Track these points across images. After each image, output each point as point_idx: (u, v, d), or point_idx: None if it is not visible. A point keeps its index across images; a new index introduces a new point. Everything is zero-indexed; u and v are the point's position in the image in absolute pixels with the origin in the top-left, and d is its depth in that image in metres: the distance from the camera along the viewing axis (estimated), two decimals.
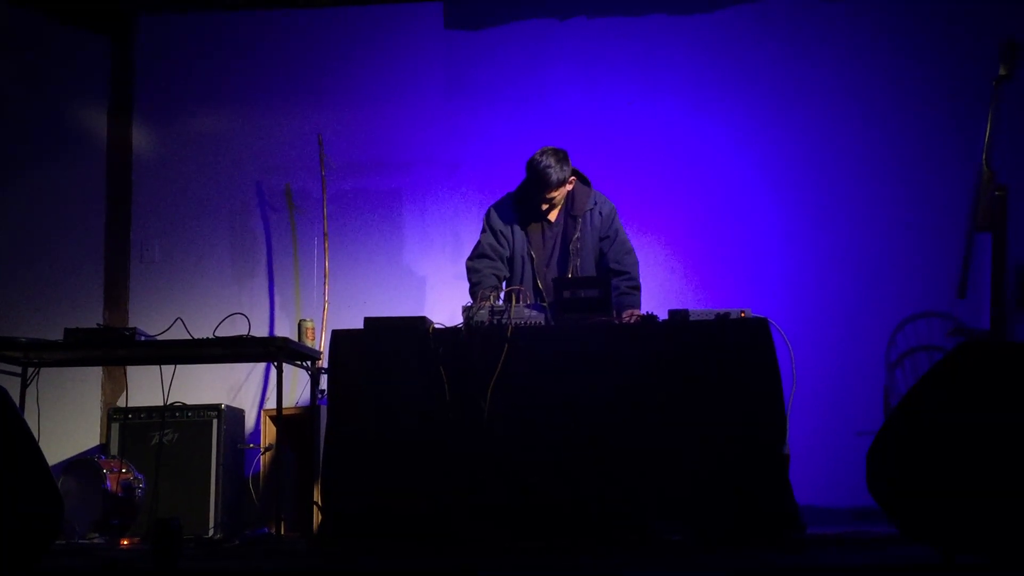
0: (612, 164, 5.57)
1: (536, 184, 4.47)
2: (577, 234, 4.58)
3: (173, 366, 4.80)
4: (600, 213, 4.61)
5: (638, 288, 4.60)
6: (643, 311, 4.21)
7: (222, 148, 6.04)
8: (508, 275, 4.62)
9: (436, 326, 4.07)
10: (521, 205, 4.62)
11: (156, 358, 4.77)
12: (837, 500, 5.12)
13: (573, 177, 4.54)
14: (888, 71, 5.67)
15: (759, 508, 3.79)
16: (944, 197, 5.50)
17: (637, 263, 4.65)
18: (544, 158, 4.43)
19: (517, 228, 4.60)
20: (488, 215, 4.67)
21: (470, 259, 4.63)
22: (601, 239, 4.62)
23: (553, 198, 4.51)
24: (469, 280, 4.58)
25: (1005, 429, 2.97)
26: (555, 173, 4.43)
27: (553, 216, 4.60)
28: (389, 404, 4.00)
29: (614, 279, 4.52)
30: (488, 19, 6.01)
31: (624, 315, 4.32)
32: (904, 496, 3.07)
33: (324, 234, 5.74)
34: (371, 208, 5.95)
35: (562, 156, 4.46)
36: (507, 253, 4.61)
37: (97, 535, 4.57)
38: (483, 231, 4.65)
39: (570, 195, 4.58)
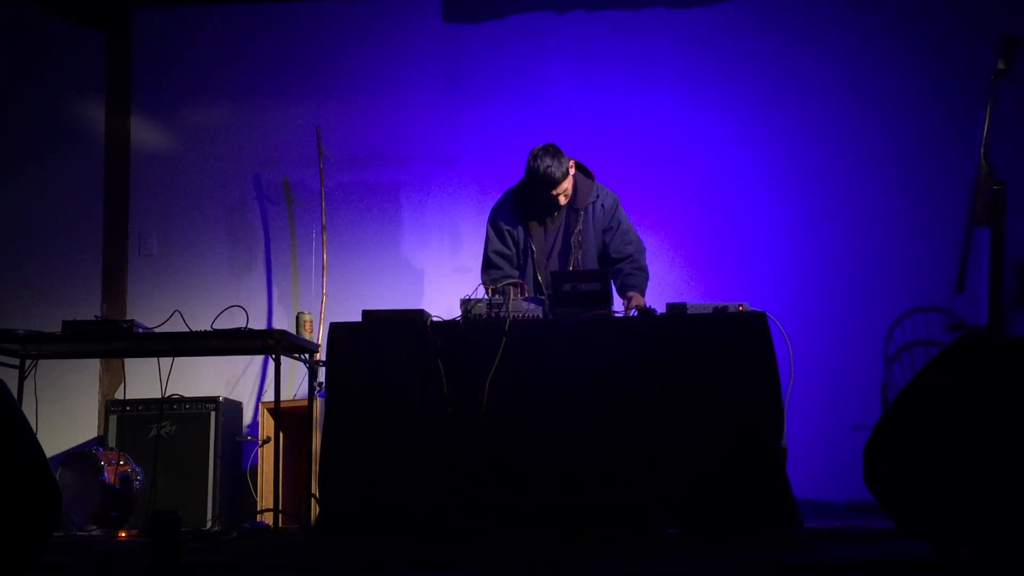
0: (610, 158, 5.56)
1: (543, 186, 4.47)
2: (579, 227, 4.57)
3: (171, 358, 4.81)
4: (602, 205, 4.61)
5: (643, 270, 4.58)
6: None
7: (220, 141, 6.04)
8: (518, 275, 4.60)
9: (434, 319, 4.07)
10: (523, 201, 4.61)
11: (154, 350, 4.77)
12: (834, 494, 5.13)
13: (572, 162, 4.55)
14: (887, 65, 5.67)
15: (757, 503, 3.78)
16: (942, 192, 5.50)
17: (643, 250, 4.63)
18: (542, 160, 4.43)
19: (519, 224, 4.60)
20: (491, 217, 4.64)
21: (482, 271, 4.61)
22: (604, 231, 4.62)
23: (563, 191, 4.53)
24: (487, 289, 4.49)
25: (1002, 424, 2.97)
26: (557, 170, 4.44)
27: (562, 201, 4.59)
28: (387, 397, 3.99)
29: (619, 264, 4.53)
30: (486, 12, 6.00)
31: (626, 297, 4.32)
32: (901, 491, 3.07)
33: (322, 227, 5.74)
34: (369, 201, 5.95)
35: (555, 150, 4.46)
36: (513, 253, 4.60)
37: (95, 527, 4.57)
38: (487, 239, 4.62)
39: (572, 188, 4.58)
